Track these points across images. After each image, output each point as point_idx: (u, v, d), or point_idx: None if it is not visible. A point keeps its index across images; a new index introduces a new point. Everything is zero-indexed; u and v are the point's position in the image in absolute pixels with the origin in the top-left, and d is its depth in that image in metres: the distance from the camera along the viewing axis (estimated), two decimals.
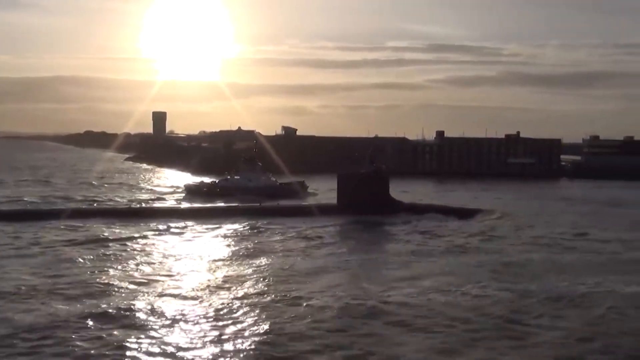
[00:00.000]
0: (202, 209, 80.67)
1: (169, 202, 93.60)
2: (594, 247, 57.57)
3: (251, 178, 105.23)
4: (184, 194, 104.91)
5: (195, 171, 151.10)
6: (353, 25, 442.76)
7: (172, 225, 67.22)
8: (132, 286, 40.57)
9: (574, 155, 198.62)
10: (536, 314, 35.44)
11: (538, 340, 31.41)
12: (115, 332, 31.11)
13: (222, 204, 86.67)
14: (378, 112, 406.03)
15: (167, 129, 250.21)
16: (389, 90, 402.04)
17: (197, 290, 40.09)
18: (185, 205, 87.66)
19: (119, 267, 46.39)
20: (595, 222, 73.71)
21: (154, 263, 48.58)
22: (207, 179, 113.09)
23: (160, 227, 65.86)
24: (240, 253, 53.13)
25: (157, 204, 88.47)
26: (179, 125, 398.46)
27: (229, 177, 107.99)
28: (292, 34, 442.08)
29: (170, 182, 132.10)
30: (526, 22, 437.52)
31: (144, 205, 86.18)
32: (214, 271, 45.92)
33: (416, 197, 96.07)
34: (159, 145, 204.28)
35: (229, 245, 57.63)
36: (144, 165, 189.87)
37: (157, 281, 42.41)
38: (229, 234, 64.06)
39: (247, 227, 67.84)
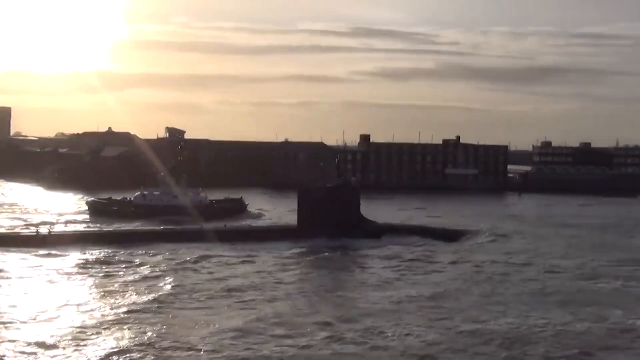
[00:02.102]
0: (115, 233, 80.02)
1: (69, 225, 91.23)
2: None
3: (175, 194, 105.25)
4: (88, 215, 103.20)
5: (51, 185, 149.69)
6: (258, 1, 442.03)
7: (80, 255, 67.86)
8: None
9: (522, 165, 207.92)
10: None
11: None
12: None
13: (144, 227, 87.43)
14: (289, 110, 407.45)
15: (13, 130, 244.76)
16: (303, 84, 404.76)
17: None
18: (93, 228, 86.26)
19: None
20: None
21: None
22: (115, 195, 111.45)
23: (60, 259, 66.16)
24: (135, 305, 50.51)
25: (56, 228, 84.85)
26: (29, 126, 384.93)
27: (146, 192, 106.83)
28: (180, 10, 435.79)
29: (12, 199, 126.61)
30: (466, 4, 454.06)
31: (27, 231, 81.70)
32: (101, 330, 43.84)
33: None
34: (0, 151, 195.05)
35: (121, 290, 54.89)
36: None
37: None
38: (149, 271, 62.85)
39: (171, 258, 67.95)
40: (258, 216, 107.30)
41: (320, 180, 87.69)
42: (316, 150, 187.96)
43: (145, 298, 51.48)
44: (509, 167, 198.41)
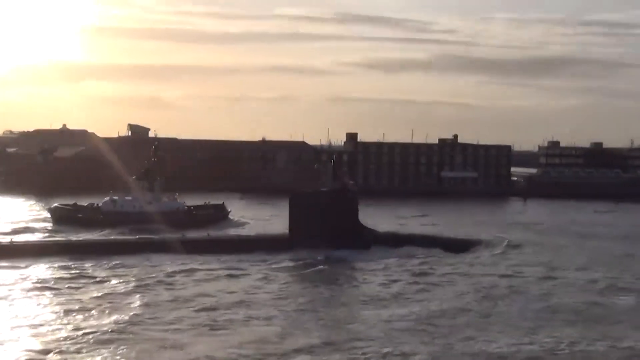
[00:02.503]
0: (82, 243, 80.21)
1: (30, 235, 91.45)
2: None
3: (149, 199, 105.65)
4: (51, 223, 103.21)
5: None
6: None
7: (43, 268, 68.00)
8: None
9: (527, 168, 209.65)
10: None
11: None
12: None
13: (117, 237, 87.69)
14: (267, 106, 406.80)
15: None
16: (282, 76, 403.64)
17: None
18: (58, 238, 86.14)
19: None
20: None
21: None
22: (82, 201, 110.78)
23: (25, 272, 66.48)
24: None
25: (17, 238, 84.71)
26: None
27: (115, 198, 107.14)
28: None
29: None
30: None
31: None
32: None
33: None
34: None
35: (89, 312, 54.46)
36: None
37: None
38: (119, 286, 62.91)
39: (146, 272, 67.92)
40: (241, 224, 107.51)
41: (314, 184, 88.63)
42: (297, 151, 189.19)
43: (108, 319, 51.19)
44: (513, 169, 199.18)
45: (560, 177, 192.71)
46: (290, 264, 73.54)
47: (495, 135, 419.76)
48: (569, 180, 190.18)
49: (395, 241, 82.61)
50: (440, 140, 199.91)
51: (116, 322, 50.17)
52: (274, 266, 71.96)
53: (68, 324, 49.90)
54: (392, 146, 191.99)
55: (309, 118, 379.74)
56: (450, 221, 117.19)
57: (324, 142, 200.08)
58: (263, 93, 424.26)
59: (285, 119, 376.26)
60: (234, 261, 73.42)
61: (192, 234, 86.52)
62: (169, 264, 71.68)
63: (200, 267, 70.66)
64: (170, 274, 67.36)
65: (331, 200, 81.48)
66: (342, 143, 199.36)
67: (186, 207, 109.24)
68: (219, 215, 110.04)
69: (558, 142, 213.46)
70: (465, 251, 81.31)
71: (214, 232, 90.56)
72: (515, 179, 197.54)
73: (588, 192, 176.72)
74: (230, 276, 67.32)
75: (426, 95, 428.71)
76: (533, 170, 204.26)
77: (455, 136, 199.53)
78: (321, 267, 71.89)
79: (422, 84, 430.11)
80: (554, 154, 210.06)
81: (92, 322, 50.50)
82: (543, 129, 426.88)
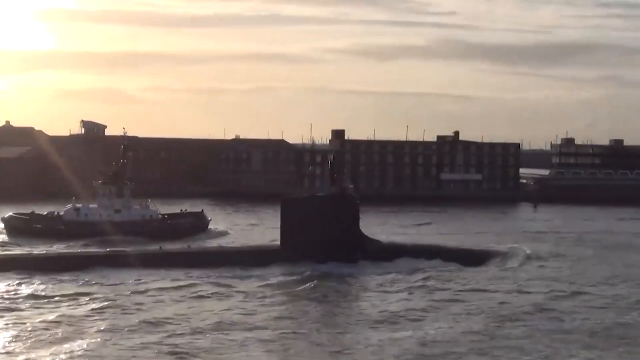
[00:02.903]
0: (41, 257, 79.72)
1: None
2: None
3: (119, 207, 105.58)
4: (4, 235, 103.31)
5: None
6: None
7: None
8: None
9: (538, 169, 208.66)
10: None
11: None
12: None
13: (80, 250, 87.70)
14: (241, 99, 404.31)
15: None
16: (259, 65, 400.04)
17: None
18: (13, 252, 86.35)
19: None
20: None
21: None
22: (39, 209, 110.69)
23: None
24: None
25: None
26: None
27: (79, 205, 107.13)
28: None
29: None
30: None
31: None
32: None
33: None
34: None
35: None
36: None
37: None
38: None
39: (115, 291, 67.48)
40: (223, 234, 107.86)
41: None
42: (276, 150, 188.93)
43: (60, 347, 49.68)
44: (522, 171, 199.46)
45: (575, 180, 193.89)
46: (283, 279, 73.72)
47: (502, 131, 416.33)
48: (585, 183, 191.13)
49: (401, 253, 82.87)
50: (440, 137, 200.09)
51: (69, 352, 48.52)
52: (263, 282, 72.09)
53: (12, 353, 48.53)
54: (385, 144, 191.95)
55: (289, 113, 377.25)
56: (453, 230, 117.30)
57: (307, 140, 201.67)
58: (237, 84, 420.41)
59: (263, 114, 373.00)
60: (218, 277, 73.72)
61: (171, 246, 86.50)
62: (143, 280, 71.52)
63: (180, 283, 70.59)
64: (144, 293, 66.94)
65: (329, 206, 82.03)
66: (328, 141, 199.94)
67: (160, 216, 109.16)
68: (199, 224, 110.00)
69: (573, 140, 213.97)
70: (481, 264, 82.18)
71: (195, 244, 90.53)
72: (525, 181, 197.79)
73: (607, 196, 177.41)
74: (215, 295, 67.12)
75: (423, 87, 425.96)
76: (545, 172, 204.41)
77: (457, 133, 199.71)
78: (318, 283, 72.01)
79: (418, 73, 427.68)
80: (568, 152, 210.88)
81: (42, 351, 48.82)
82: (556, 125, 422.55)
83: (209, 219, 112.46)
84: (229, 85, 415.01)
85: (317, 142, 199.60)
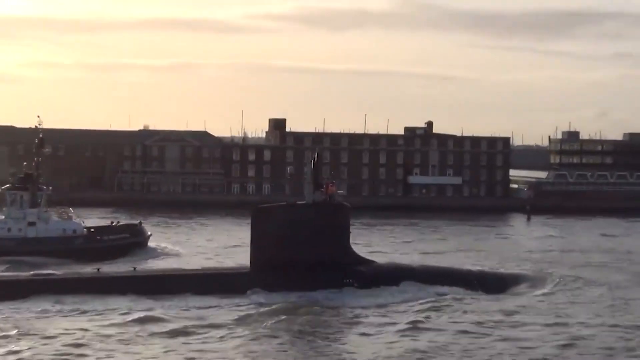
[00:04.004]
0: None
1: None
2: None
3: (32, 218, 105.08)
4: None
5: None
6: None
7: None
8: None
9: (533, 170, 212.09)
10: None
11: None
12: None
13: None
14: (151, 78, 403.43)
15: None
16: (174, 35, 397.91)
17: None
18: None
19: None
20: None
21: None
22: None
23: None
24: None
25: None
26: None
27: None
28: None
29: None
30: None
31: None
32: None
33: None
34: None
35: None
36: None
37: None
38: None
39: (26, 327, 66.84)
40: (169, 254, 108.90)
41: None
42: (197, 146, 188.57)
43: None
44: (512, 173, 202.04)
45: (580, 184, 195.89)
46: (254, 311, 73.14)
47: (488, 122, 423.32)
48: (593, 189, 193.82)
49: (405, 277, 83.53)
50: (408, 129, 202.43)
51: None
52: (228, 317, 71.00)
53: None
54: (337, 138, 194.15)
55: (214, 97, 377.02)
56: (424, 250, 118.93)
57: (238, 132, 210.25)
58: (146, 60, 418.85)
59: (179, 99, 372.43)
60: (176, 308, 73.19)
61: (113, 269, 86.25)
62: (79, 311, 70.86)
63: (119, 319, 69.45)
64: (70, 331, 65.19)
65: (313, 217, 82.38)
66: (264, 133, 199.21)
67: (86, 230, 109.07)
68: (137, 241, 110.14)
69: (577, 133, 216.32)
70: (503, 291, 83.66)
71: (142, 267, 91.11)
72: (516, 186, 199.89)
73: (621, 206, 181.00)
74: (170, 333, 66.08)
75: (387, 64, 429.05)
76: (542, 174, 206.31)
77: (430, 124, 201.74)
78: (299, 316, 71.56)
79: (381, 46, 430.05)
80: (571, 150, 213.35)
81: None
82: (556, 114, 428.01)
83: (149, 234, 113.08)
84: (135, 61, 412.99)
85: (250, 135, 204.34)
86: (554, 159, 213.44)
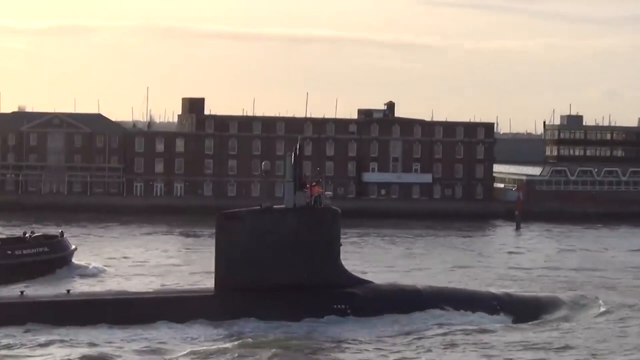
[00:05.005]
0: None
1: None
2: None
3: None
4: None
5: None
6: None
7: None
8: None
9: (524, 165, 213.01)
10: None
11: None
12: None
13: None
14: (29, 46, 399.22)
15: None
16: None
17: None
18: None
19: None
20: None
21: None
22: None
23: None
24: None
25: None
26: None
27: None
28: None
29: None
30: None
31: None
32: None
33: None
34: None
35: None
36: None
37: None
38: None
39: None
40: (95, 274, 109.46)
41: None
42: (87, 131, 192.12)
43: None
44: (497, 168, 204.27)
45: (583, 183, 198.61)
46: (221, 345, 72.21)
47: (466, 104, 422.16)
48: (599, 189, 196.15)
49: (409, 301, 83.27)
50: (362, 112, 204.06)
51: None
52: (184, 352, 70.42)
53: None
54: (271, 123, 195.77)
55: (111, 70, 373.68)
56: (380, 267, 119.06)
57: (141, 115, 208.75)
58: (20, 21, 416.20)
59: (65, 72, 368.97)
60: (121, 340, 72.62)
61: (39, 291, 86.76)
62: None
63: (60, 353, 68.76)
64: None
65: (295, 226, 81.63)
66: (176, 117, 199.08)
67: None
68: (59, 256, 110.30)
69: (580, 118, 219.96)
70: (535, 318, 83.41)
71: (75, 289, 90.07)
72: (502, 185, 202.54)
73: (637, 209, 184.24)
74: None
75: (334, 28, 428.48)
76: (535, 170, 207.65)
77: (391, 105, 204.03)
78: (277, 352, 70.88)
79: (324, 5, 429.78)
80: (571, 139, 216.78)
81: None
82: (553, 93, 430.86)
83: (73, 247, 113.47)
84: (6, 23, 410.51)
85: (157, 120, 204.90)
86: (551, 151, 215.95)
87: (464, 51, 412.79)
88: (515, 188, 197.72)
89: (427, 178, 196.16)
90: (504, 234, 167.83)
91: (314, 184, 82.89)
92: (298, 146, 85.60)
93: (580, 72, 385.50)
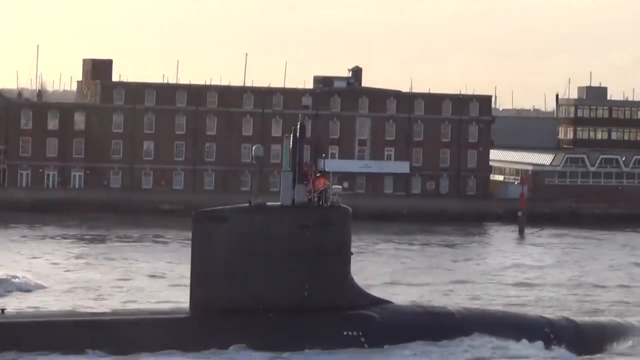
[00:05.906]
0: None
1: None
2: None
3: None
4: None
5: None
6: None
7: None
8: None
9: (530, 151, 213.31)
10: None
11: None
12: None
13: None
14: None
15: None
16: None
17: None
18: None
19: None
20: None
21: None
22: None
23: None
24: None
25: None
26: None
27: None
28: None
29: None
30: None
31: None
32: None
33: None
34: None
35: None
36: None
37: None
38: None
39: None
40: (27, 289, 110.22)
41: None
42: None
43: None
44: (495, 155, 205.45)
45: (607, 174, 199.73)
46: None
47: (454, 71, 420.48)
48: (628, 183, 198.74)
49: (438, 327, 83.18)
50: (320, 81, 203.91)
51: None
52: None
53: None
54: (200, 94, 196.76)
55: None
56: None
57: (28, 81, 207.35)
58: None
59: None
60: None
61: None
62: None
63: None
64: None
65: (292, 230, 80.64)
66: (74, 84, 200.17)
67: None
68: None
69: (604, 90, 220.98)
70: (600, 350, 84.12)
71: (11, 308, 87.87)
72: (502, 177, 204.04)
73: None
74: None
75: None
76: (544, 158, 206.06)
77: (357, 72, 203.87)
78: None
79: None
80: (592, 118, 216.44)
81: None
82: (568, 59, 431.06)
83: None
84: None
85: (50, 89, 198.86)
86: (565, 133, 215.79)
87: (454, 2, 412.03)
88: (519, 181, 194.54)
89: (403, 167, 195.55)
90: (503, 241, 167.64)
91: (317, 174, 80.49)
92: (299, 126, 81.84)
93: (601, 34, 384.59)
